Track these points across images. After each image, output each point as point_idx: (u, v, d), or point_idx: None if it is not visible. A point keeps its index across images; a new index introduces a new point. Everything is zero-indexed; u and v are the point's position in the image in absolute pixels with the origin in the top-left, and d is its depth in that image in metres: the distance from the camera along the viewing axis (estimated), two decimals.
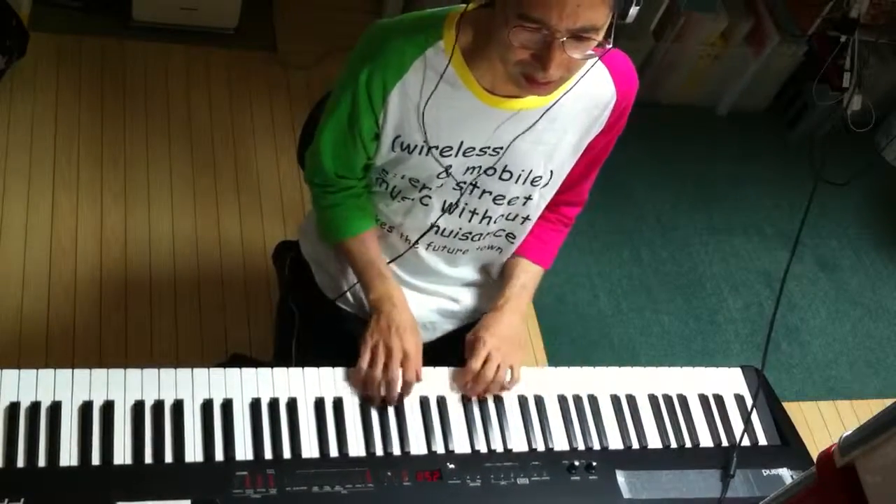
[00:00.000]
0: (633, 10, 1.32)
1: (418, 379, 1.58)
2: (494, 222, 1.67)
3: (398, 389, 1.56)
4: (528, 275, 1.74)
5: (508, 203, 1.63)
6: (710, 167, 3.52)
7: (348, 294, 1.79)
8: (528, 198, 1.64)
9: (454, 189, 1.60)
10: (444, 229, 1.68)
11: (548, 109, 1.50)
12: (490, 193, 1.61)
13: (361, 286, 1.68)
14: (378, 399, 1.55)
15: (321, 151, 1.61)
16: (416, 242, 1.70)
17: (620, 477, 1.57)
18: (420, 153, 1.53)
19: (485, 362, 1.59)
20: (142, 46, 3.09)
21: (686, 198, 3.39)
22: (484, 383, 1.59)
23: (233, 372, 1.54)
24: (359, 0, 3.44)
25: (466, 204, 1.63)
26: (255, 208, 2.83)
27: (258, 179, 2.89)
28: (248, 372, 1.55)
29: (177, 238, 2.70)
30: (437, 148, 1.52)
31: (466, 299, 1.84)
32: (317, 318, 1.82)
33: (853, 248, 3.46)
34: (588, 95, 1.51)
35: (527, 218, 1.69)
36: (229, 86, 3.09)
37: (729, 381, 1.78)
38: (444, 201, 1.62)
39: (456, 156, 1.53)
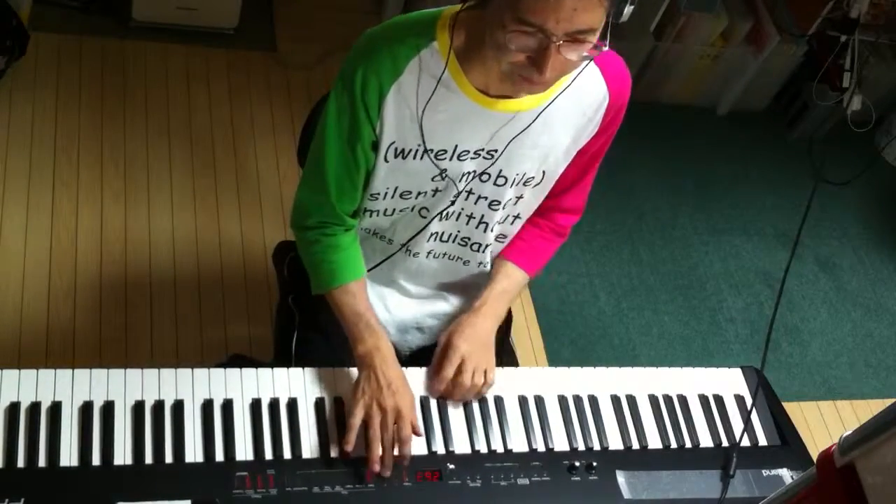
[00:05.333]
0: (628, 9, 1.32)
1: (417, 433, 1.52)
2: (492, 230, 1.67)
3: (396, 450, 1.49)
4: (510, 280, 1.71)
5: (503, 207, 1.63)
6: (710, 167, 3.52)
7: None
8: (520, 197, 1.64)
9: (450, 200, 1.60)
10: (443, 233, 1.68)
11: (542, 111, 1.49)
12: (486, 199, 1.61)
13: (349, 338, 1.61)
14: (378, 461, 1.47)
15: (327, 185, 1.56)
16: (417, 249, 1.70)
17: (621, 477, 1.57)
18: (416, 157, 1.52)
19: (459, 369, 1.58)
20: (142, 46, 3.09)
21: (686, 198, 3.39)
22: (461, 390, 1.58)
23: (233, 372, 1.54)
24: (359, 0, 3.44)
25: (462, 209, 1.63)
26: (255, 208, 2.83)
27: (258, 179, 2.89)
28: (248, 372, 1.55)
29: (177, 238, 2.70)
30: (432, 151, 1.51)
31: (464, 302, 1.83)
32: (316, 318, 1.82)
33: (853, 248, 3.45)
34: (581, 96, 1.51)
35: (517, 217, 1.69)
36: (229, 86, 3.09)
37: (729, 382, 1.78)
38: (441, 211, 1.62)
39: (451, 159, 1.53)
